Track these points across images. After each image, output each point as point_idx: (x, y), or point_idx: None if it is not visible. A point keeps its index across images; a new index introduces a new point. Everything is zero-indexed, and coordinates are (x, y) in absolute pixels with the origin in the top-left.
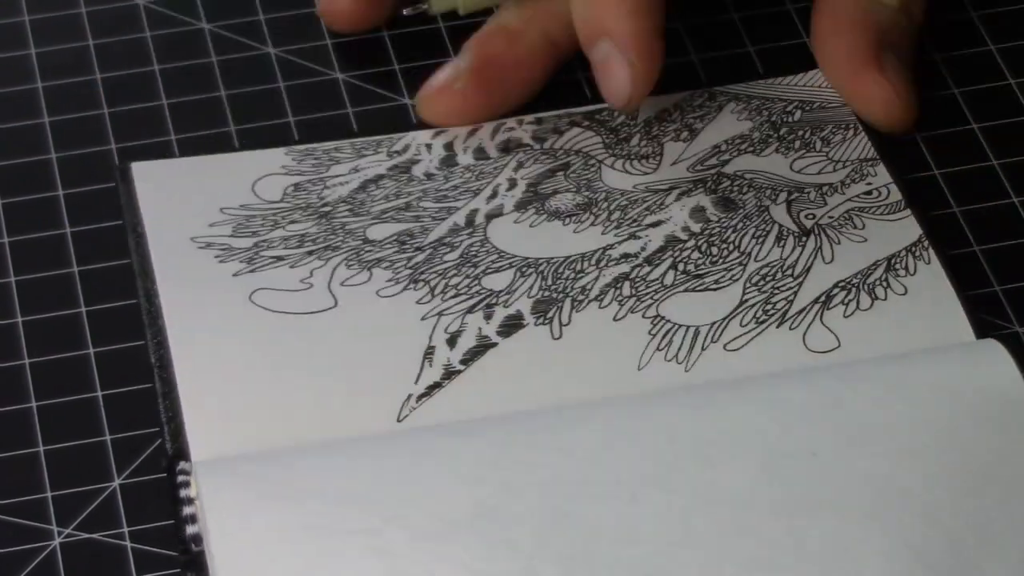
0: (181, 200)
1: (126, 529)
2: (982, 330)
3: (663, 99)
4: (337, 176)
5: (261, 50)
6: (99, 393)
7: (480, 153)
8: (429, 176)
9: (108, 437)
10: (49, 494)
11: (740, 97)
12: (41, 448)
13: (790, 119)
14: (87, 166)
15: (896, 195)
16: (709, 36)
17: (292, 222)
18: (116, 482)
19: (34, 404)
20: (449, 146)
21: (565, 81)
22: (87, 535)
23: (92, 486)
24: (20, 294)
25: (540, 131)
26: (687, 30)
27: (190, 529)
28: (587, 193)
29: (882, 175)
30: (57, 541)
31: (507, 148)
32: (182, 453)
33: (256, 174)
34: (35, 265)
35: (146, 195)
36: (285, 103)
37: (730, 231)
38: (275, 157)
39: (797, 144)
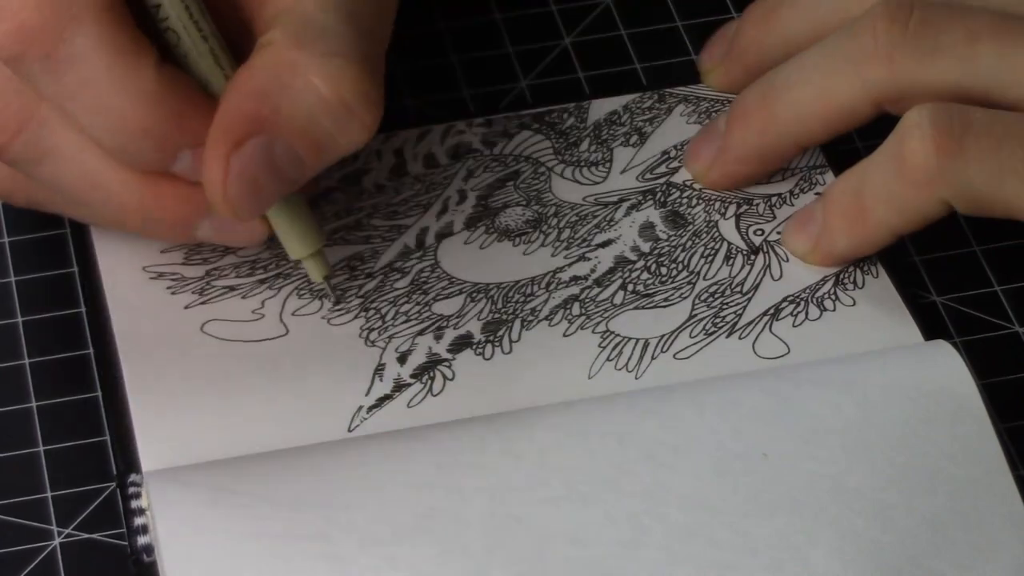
0: None
1: (126, 529)
2: (933, 334)
3: (613, 101)
4: None
5: None
6: (99, 393)
7: (430, 160)
8: (379, 188)
9: (108, 437)
10: (49, 494)
11: (689, 99)
12: (41, 448)
13: None
14: None
15: None
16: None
17: (244, 247)
18: (115, 483)
19: (34, 404)
20: (399, 152)
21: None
22: (87, 535)
23: (92, 486)
24: (20, 294)
25: (489, 134)
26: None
27: (141, 540)
28: (537, 207)
29: (831, 184)
30: (57, 541)
31: (456, 154)
32: (133, 466)
33: None
34: (36, 265)
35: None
36: None
37: (679, 250)
38: None
39: None
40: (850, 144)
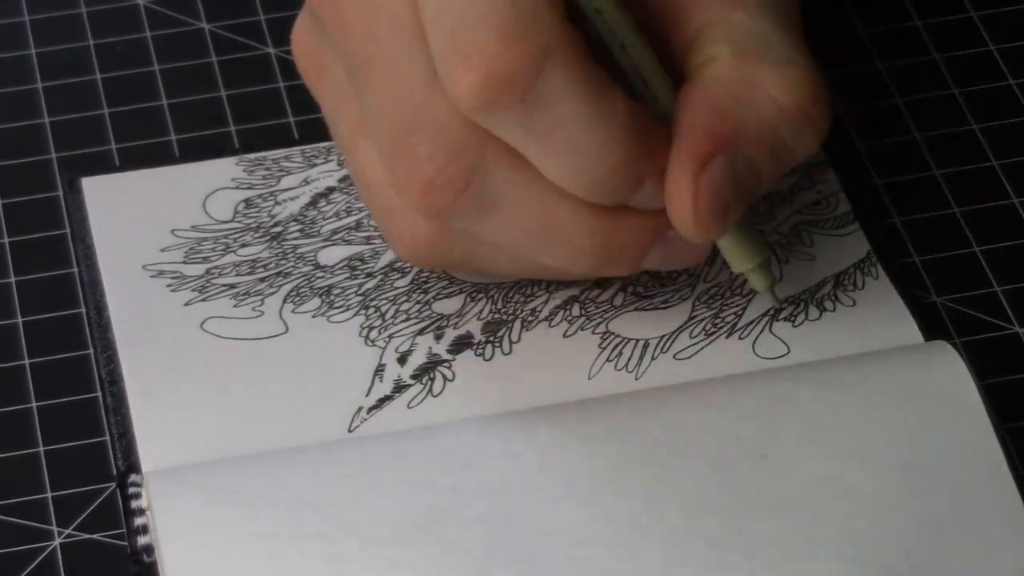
0: (132, 220)
1: (126, 529)
2: (933, 334)
3: None
4: (288, 190)
5: (261, 50)
6: (99, 393)
7: None
8: None
9: (108, 437)
10: (49, 494)
11: None
12: (41, 448)
13: None
14: (91, 166)
15: (845, 205)
16: None
17: (244, 245)
18: (116, 483)
19: (34, 404)
20: None
21: None
22: (87, 535)
23: (92, 486)
24: (20, 294)
25: None
26: None
27: (142, 540)
28: None
29: (831, 182)
30: (57, 541)
31: None
32: (133, 466)
33: (207, 189)
34: (36, 265)
35: (96, 213)
36: (285, 103)
37: None
38: (225, 169)
39: None
40: (850, 144)
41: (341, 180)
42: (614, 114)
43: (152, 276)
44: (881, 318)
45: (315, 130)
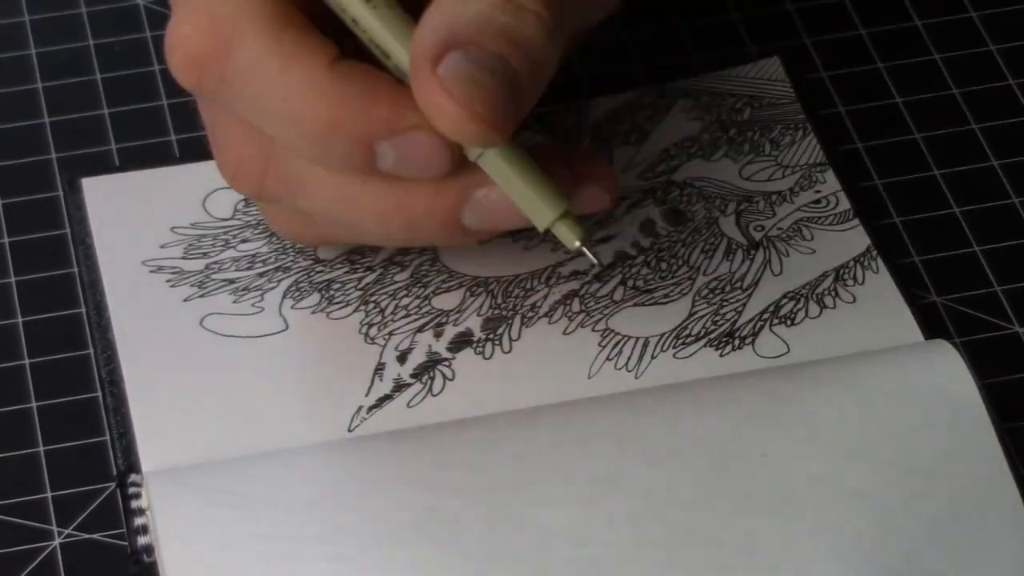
0: (132, 219)
1: (126, 529)
2: (933, 334)
3: (612, 99)
4: None
5: None
6: (99, 393)
7: None
8: None
9: (108, 437)
10: (49, 494)
11: (690, 93)
12: (41, 448)
13: (739, 117)
14: (91, 166)
15: (844, 204)
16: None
17: (243, 241)
18: (116, 483)
19: (34, 404)
20: None
21: None
22: (87, 535)
23: (92, 486)
24: (20, 294)
25: None
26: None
27: (142, 540)
28: None
29: (831, 182)
30: (57, 541)
31: None
32: (133, 466)
33: (206, 188)
34: (36, 265)
35: (96, 213)
36: None
37: (679, 245)
38: None
39: (746, 148)
40: (851, 144)
41: None
42: (315, 78)
43: (152, 271)
44: (882, 316)
45: None
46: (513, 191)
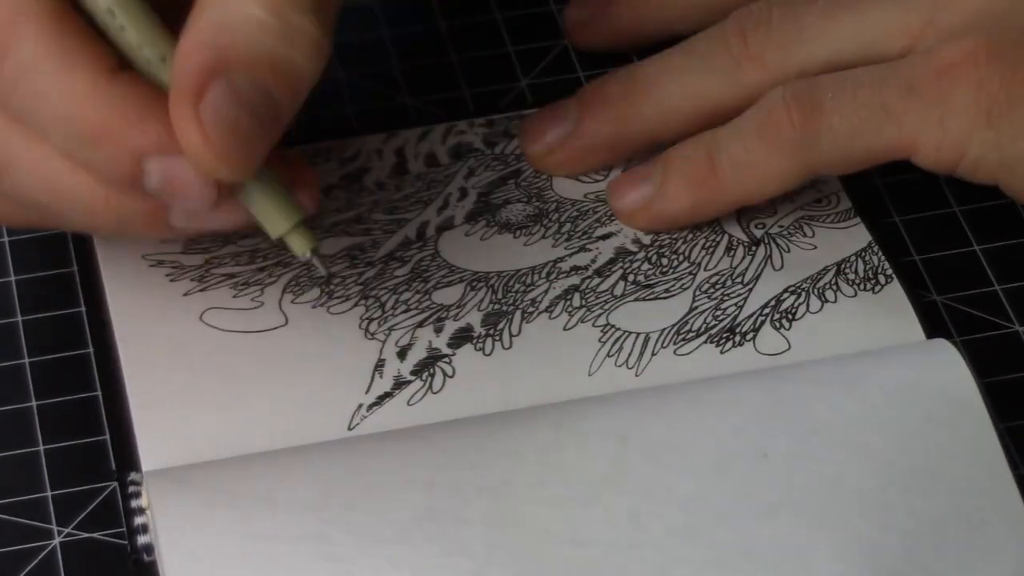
0: None
1: (126, 529)
2: (933, 333)
3: None
4: None
5: None
6: (99, 393)
7: (431, 159)
8: (380, 186)
9: (108, 437)
10: (49, 494)
11: None
12: (41, 448)
13: None
14: None
15: (846, 203)
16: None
17: (243, 236)
18: (116, 482)
19: (34, 404)
20: (400, 151)
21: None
22: (87, 535)
23: (92, 486)
24: (20, 294)
25: (491, 134)
26: None
27: (141, 539)
28: (538, 203)
29: (832, 181)
30: (57, 541)
31: (458, 153)
32: (133, 466)
33: None
34: (36, 265)
35: None
36: None
37: (680, 242)
38: None
39: None
40: None
41: (341, 179)
42: (89, 86)
43: (151, 265)
44: (883, 311)
45: (315, 131)
46: (248, 201)
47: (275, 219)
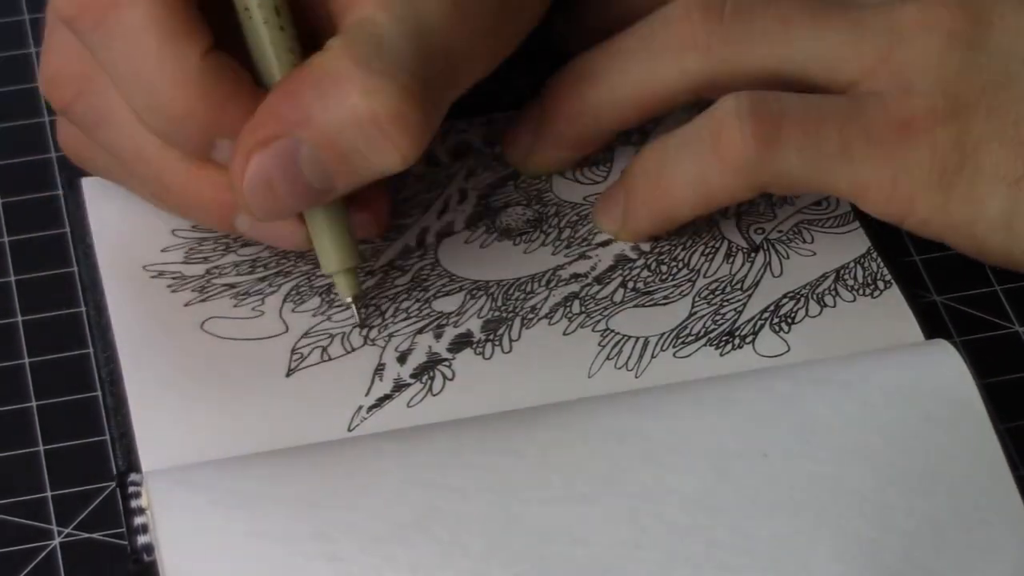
0: (132, 219)
1: (126, 529)
2: (933, 333)
3: None
4: None
5: None
6: (99, 393)
7: (431, 159)
8: None
9: (108, 437)
10: (49, 494)
11: None
12: (41, 448)
13: None
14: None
15: (845, 206)
16: None
17: (244, 245)
18: (116, 482)
19: (34, 404)
20: None
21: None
22: (87, 535)
23: (92, 486)
24: (20, 294)
25: (491, 133)
26: None
27: (141, 539)
28: (537, 207)
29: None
30: (57, 541)
31: (458, 153)
32: (133, 466)
33: None
34: (36, 264)
35: (96, 213)
36: None
37: (679, 248)
38: None
39: None
40: None
41: None
42: (184, 63)
43: (153, 276)
44: (882, 314)
45: None
46: (312, 230)
47: (329, 256)
